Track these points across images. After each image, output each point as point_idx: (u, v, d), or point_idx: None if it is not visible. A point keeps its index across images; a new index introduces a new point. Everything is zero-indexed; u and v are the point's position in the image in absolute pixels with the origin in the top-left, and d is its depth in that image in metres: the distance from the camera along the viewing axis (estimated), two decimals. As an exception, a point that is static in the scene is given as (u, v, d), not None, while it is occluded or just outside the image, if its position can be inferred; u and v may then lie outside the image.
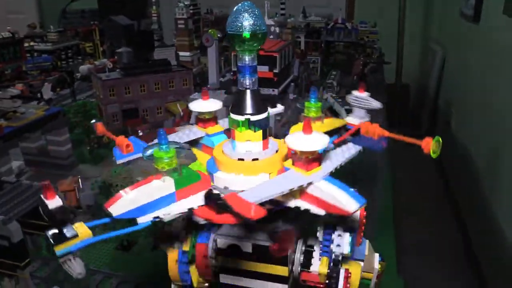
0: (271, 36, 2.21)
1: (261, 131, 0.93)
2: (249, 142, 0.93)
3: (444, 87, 5.51)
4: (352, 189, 0.84)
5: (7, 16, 5.66)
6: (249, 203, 0.76)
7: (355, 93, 1.07)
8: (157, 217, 0.83)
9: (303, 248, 1.01)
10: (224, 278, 1.01)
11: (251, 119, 0.91)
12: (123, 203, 0.79)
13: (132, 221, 0.83)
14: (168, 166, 0.82)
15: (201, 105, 1.02)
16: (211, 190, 0.85)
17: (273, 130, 1.82)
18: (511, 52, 3.22)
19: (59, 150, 2.56)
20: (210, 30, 1.90)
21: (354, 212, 0.80)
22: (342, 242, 0.87)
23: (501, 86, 3.37)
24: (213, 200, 0.83)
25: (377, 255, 1.01)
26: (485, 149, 3.70)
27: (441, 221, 3.73)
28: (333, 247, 0.88)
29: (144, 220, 0.82)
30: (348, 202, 0.80)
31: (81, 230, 0.79)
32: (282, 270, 0.95)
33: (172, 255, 1.06)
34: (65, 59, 4.69)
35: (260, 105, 0.92)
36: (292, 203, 0.89)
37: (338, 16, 4.52)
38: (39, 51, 4.41)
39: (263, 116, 0.93)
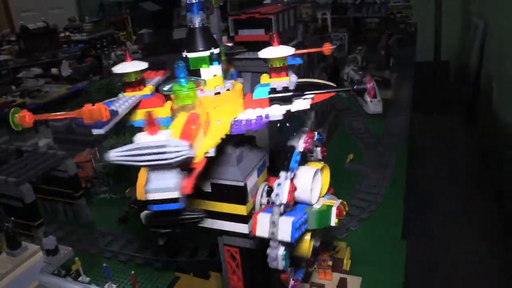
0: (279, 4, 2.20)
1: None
2: None
3: (486, 62, 5.20)
4: None
5: (49, 12, 6.00)
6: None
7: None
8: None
9: (266, 188, 1.01)
10: (190, 220, 1.03)
11: (214, 52, 0.92)
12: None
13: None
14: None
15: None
16: None
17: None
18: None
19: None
20: (211, -2, 1.91)
21: None
22: (281, 191, 0.86)
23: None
24: None
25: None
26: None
27: (478, 196, 3.55)
28: (273, 196, 0.88)
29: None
30: None
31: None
32: (240, 209, 0.96)
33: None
34: (100, 47, 4.88)
35: (213, 39, 0.94)
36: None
37: (366, -9, 4.38)
38: (75, 41, 4.62)
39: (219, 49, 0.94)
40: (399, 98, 3.19)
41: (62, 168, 1.85)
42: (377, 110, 2.78)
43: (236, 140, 0.98)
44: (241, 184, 0.93)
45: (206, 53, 0.90)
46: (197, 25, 0.90)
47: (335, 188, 2.03)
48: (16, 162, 1.79)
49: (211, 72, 0.92)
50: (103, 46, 4.95)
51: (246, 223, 0.96)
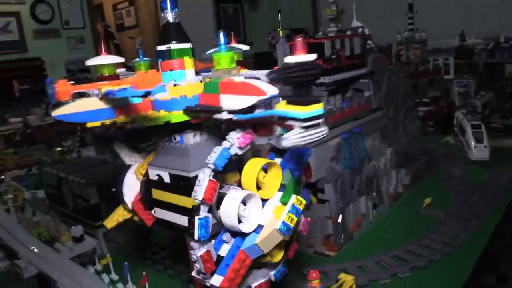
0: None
1: (182, 59, 0.97)
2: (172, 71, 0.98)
3: None
4: None
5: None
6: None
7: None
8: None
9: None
10: (158, 213, 1.04)
11: (172, 47, 0.96)
12: (66, 108, 0.93)
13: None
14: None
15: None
16: None
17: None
18: None
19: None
20: (278, 29, 1.97)
21: (270, 96, 0.82)
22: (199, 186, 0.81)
23: None
24: None
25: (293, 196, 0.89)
26: None
27: None
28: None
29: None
30: (267, 87, 0.83)
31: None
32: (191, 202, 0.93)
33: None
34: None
35: (182, 36, 0.97)
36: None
37: (501, 35, 3.93)
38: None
39: (185, 45, 0.97)
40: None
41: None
42: (482, 157, 2.40)
43: (199, 129, 0.98)
44: (189, 175, 0.91)
45: (163, 47, 0.94)
46: (167, 20, 0.95)
47: (402, 232, 1.80)
48: (93, 170, 2.04)
49: (168, 66, 0.95)
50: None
51: (199, 219, 0.93)
